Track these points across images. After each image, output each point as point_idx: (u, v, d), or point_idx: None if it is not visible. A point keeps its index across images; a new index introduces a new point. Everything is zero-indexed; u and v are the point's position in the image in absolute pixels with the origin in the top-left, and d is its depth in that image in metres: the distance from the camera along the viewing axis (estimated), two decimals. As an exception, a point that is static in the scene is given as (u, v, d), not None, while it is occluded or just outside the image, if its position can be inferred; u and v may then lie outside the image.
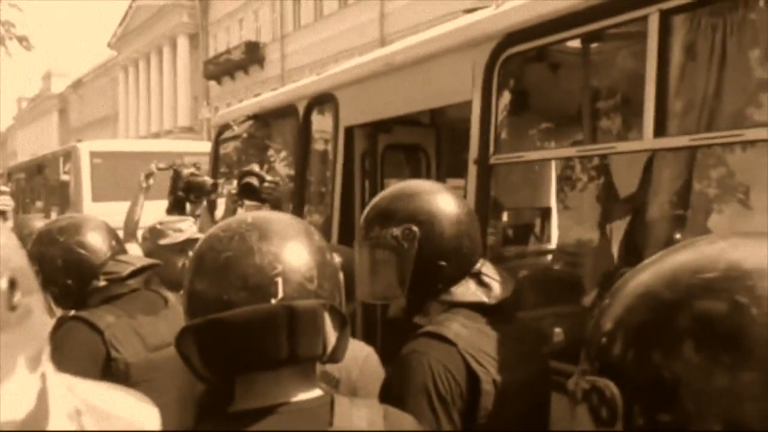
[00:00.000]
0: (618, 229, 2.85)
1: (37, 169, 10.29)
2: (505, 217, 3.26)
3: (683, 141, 1.86)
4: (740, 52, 1.85)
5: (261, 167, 3.50)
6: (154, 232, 2.52)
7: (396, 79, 2.77)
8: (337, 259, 1.03)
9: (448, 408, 1.24)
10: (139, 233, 3.04)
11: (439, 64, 2.51)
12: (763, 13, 1.78)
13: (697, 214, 2.30)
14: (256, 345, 0.89)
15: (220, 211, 3.94)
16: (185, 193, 3.55)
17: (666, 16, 1.75)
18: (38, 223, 4.09)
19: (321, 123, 3.43)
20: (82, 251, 1.87)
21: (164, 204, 3.63)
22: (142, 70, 39.93)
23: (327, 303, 0.95)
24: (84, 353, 1.74)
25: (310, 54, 24.53)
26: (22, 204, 10.73)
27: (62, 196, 8.51)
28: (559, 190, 3.41)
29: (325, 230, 3.15)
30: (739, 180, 2.29)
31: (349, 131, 3.10)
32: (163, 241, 2.46)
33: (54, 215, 8.20)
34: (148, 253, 2.49)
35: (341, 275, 1.03)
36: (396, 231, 1.38)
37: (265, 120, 3.96)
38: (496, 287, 1.44)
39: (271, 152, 4.31)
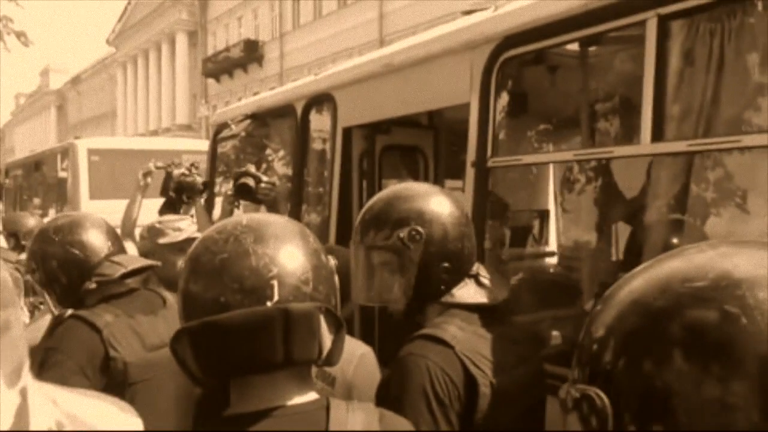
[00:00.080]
0: (615, 232, 2.86)
1: (35, 165, 10.27)
2: (502, 219, 3.27)
3: (681, 146, 1.86)
4: (738, 58, 1.86)
5: (258, 167, 3.50)
6: (153, 231, 2.51)
7: (394, 81, 2.78)
8: (332, 261, 1.03)
9: (446, 410, 1.25)
10: (137, 231, 3.04)
11: (438, 66, 2.51)
12: (761, 19, 1.78)
13: (694, 219, 2.30)
14: (252, 348, 0.89)
15: (217, 210, 3.93)
16: (177, 194, 3.55)
17: (664, 21, 1.75)
18: (30, 220, 4.09)
19: (319, 123, 3.43)
20: (76, 251, 1.86)
21: (162, 202, 3.64)
22: (141, 67, 39.87)
23: (322, 306, 0.94)
24: (82, 352, 1.73)
25: (309, 53, 24.53)
26: (20, 201, 10.71)
27: (60, 193, 8.50)
28: (557, 194, 3.41)
29: (323, 231, 3.15)
30: (736, 185, 2.29)
31: (347, 132, 3.10)
32: (162, 240, 2.45)
33: (52, 212, 8.19)
34: (146, 252, 2.48)
35: (336, 278, 1.03)
36: (402, 233, 1.38)
37: (263, 119, 3.96)
38: (494, 289, 1.45)
39: (269, 152, 4.31)
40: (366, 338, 2.38)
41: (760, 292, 0.57)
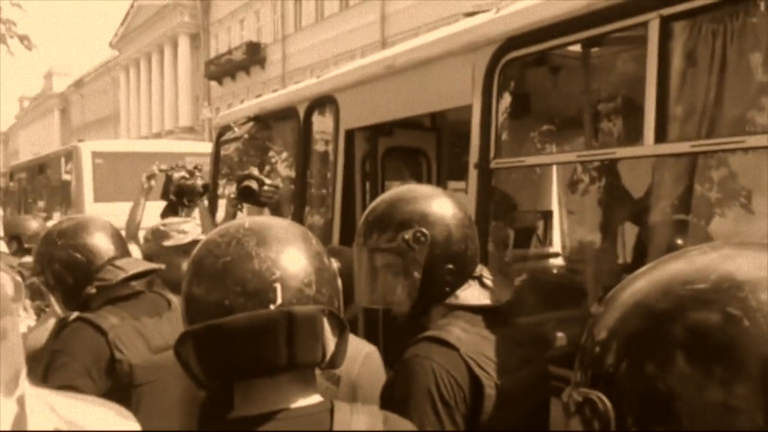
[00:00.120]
0: (619, 234, 2.86)
1: (39, 168, 10.30)
2: (506, 221, 3.27)
3: (684, 147, 1.86)
4: (741, 58, 1.85)
5: (261, 169, 3.51)
6: (158, 234, 2.51)
7: (397, 82, 2.78)
8: (335, 264, 1.03)
9: (452, 412, 1.25)
10: (141, 234, 3.05)
11: (440, 68, 2.51)
12: (764, 19, 1.78)
13: (698, 220, 2.30)
14: (255, 351, 0.89)
15: (221, 213, 3.94)
16: (177, 197, 3.55)
17: (666, 22, 1.75)
18: (32, 223, 4.09)
19: (321, 125, 3.43)
20: (78, 255, 1.87)
21: (164, 206, 3.65)
22: (144, 69, 39.96)
23: (326, 308, 0.95)
24: (88, 354, 1.74)
25: (312, 55, 24.56)
26: (24, 203, 10.74)
27: (64, 196, 8.52)
28: (560, 195, 3.41)
29: (326, 233, 3.15)
30: (740, 186, 2.29)
31: (350, 134, 3.10)
32: (167, 243, 2.46)
33: (56, 215, 8.21)
34: (150, 255, 2.49)
35: (339, 280, 1.03)
36: (406, 234, 1.38)
37: (265, 122, 3.97)
38: (497, 290, 1.45)
39: (271, 154, 4.32)
40: (370, 340, 2.38)
41: (763, 294, 0.56)
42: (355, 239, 1.51)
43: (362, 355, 1.71)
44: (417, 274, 1.39)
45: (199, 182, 3.60)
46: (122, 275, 1.86)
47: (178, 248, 2.43)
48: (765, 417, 0.53)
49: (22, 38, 8.63)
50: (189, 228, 2.54)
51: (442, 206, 1.43)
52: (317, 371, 1.01)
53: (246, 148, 4.42)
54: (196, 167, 3.75)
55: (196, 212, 3.70)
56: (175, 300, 2.04)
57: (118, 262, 1.90)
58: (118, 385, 1.76)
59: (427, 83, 2.59)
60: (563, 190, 3.42)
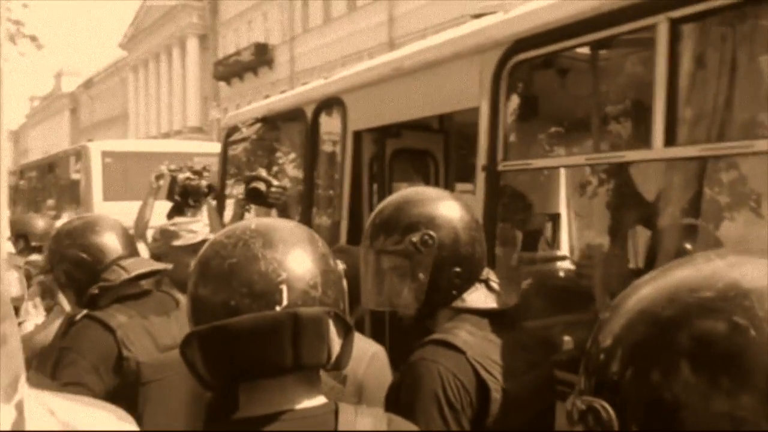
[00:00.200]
0: (627, 237, 2.84)
1: (49, 167, 10.38)
2: (514, 223, 3.26)
3: (693, 151, 1.85)
4: (750, 61, 1.85)
5: (269, 170, 3.51)
6: (168, 234, 2.52)
7: (404, 84, 2.78)
8: (341, 265, 1.04)
9: (458, 416, 1.25)
10: (149, 233, 3.06)
11: (448, 70, 2.51)
12: (774, 22, 1.77)
13: (707, 224, 2.29)
14: (261, 352, 0.90)
15: (228, 213, 3.96)
16: (182, 198, 3.56)
17: (675, 25, 1.74)
18: (39, 222, 4.10)
19: (329, 127, 3.44)
20: (85, 255, 1.89)
21: (170, 207, 3.66)
22: (152, 70, 40.18)
23: (331, 310, 0.95)
24: (96, 352, 1.76)
25: (319, 56, 24.59)
26: (34, 202, 10.82)
27: (73, 195, 8.58)
28: (568, 198, 3.40)
29: (333, 234, 3.16)
30: (749, 190, 2.27)
31: (358, 135, 3.11)
32: (177, 243, 2.47)
33: (65, 214, 8.27)
34: (158, 254, 2.50)
35: (345, 282, 1.03)
36: (414, 237, 1.38)
37: (273, 123, 3.98)
38: (504, 294, 1.45)
39: (279, 155, 4.33)
40: (376, 341, 2.38)
41: None
42: (362, 241, 1.51)
43: (369, 355, 1.71)
44: (424, 277, 1.39)
45: (204, 183, 3.61)
46: (125, 276, 1.88)
47: (187, 248, 2.44)
48: None
49: (32, 39, 8.71)
50: (198, 228, 2.55)
51: (449, 209, 1.42)
52: (323, 370, 1.01)
53: (254, 148, 4.44)
54: (204, 167, 3.77)
55: (202, 212, 3.71)
56: (183, 299, 2.05)
57: (124, 262, 1.91)
58: (125, 383, 1.77)
59: (435, 85, 2.59)
60: (571, 192, 3.41)
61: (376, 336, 2.77)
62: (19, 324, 2.54)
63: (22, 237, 3.91)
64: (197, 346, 0.92)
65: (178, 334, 1.79)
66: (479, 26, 2.46)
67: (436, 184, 3.43)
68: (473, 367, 1.28)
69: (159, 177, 3.48)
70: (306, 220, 3.39)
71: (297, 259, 0.94)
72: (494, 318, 1.41)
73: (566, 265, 3.43)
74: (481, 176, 2.26)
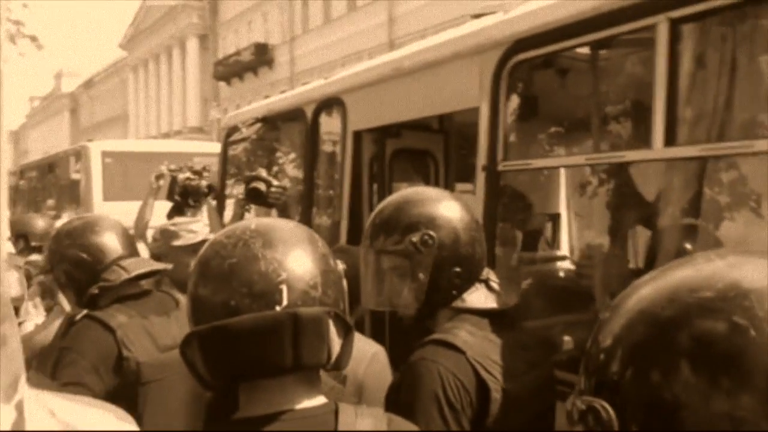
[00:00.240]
0: (627, 237, 2.84)
1: (49, 167, 10.38)
2: (514, 223, 3.26)
3: (693, 151, 1.85)
4: (750, 61, 1.85)
5: (269, 171, 3.51)
6: (168, 234, 2.52)
7: (404, 84, 2.78)
8: (341, 265, 1.04)
9: (458, 416, 1.25)
10: (149, 233, 3.06)
11: (448, 70, 2.51)
12: (774, 22, 1.77)
13: (707, 224, 2.29)
14: (261, 352, 0.90)
15: (228, 213, 3.96)
16: (182, 198, 3.56)
17: (675, 25, 1.74)
18: (39, 222, 4.10)
19: (329, 127, 3.44)
20: (84, 255, 1.89)
21: (170, 207, 3.66)
22: (152, 70, 40.18)
23: (331, 310, 0.95)
24: (96, 351, 1.76)
25: (319, 56, 24.60)
26: (34, 202, 10.83)
27: (73, 195, 8.58)
28: (569, 197, 3.40)
29: (333, 234, 3.16)
30: (749, 190, 2.27)
31: (358, 135, 3.11)
32: (177, 243, 2.47)
33: (65, 214, 8.27)
34: (158, 254, 2.50)
35: (345, 282, 1.03)
36: (414, 237, 1.38)
37: (273, 123, 3.98)
38: (504, 294, 1.45)
39: (279, 155, 4.33)
40: (376, 341, 2.38)
41: None
42: (362, 241, 1.51)
43: (369, 355, 1.71)
44: (424, 277, 1.39)
45: (204, 183, 3.61)
46: (125, 276, 1.88)
47: (187, 248, 2.44)
48: None
49: (32, 39, 8.71)
50: (198, 228, 2.55)
51: (449, 209, 1.42)
52: (323, 370, 1.01)
53: (254, 148, 4.44)
54: (204, 168, 3.77)
55: (203, 212, 3.71)
56: (183, 299, 2.05)
57: (124, 262, 1.91)
58: (125, 383, 1.77)
59: (435, 85, 2.59)
60: (571, 192, 3.41)
61: (376, 336, 2.77)
62: (19, 324, 2.54)
63: (22, 237, 3.91)
64: (197, 346, 0.92)
65: (178, 334, 1.79)
66: (479, 26, 2.46)
67: (436, 184, 3.43)
68: (473, 367, 1.28)
69: (159, 177, 3.49)
70: (306, 220, 3.39)
71: (297, 259, 0.94)
72: (494, 318, 1.41)
73: (566, 265, 3.43)
74: (481, 176, 2.26)
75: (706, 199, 2.27)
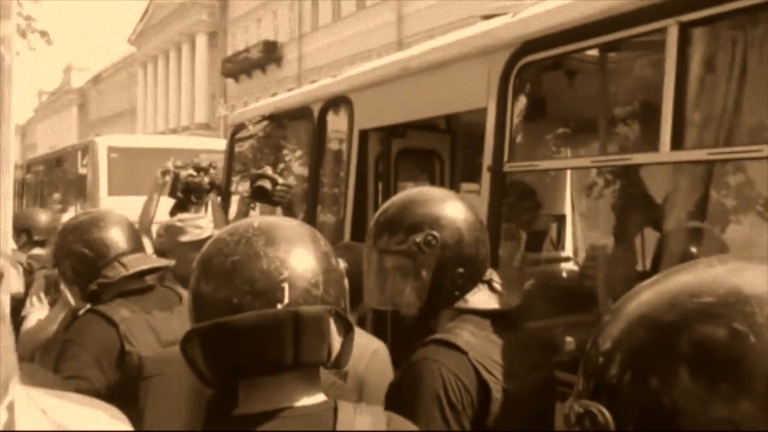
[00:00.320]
0: (632, 240, 2.83)
1: (56, 162, 10.43)
2: (518, 224, 3.25)
3: (700, 155, 1.84)
4: (760, 66, 1.83)
5: (275, 168, 3.52)
6: (174, 230, 2.53)
7: (411, 84, 2.78)
8: (342, 264, 1.04)
9: (459, 416, 1.25)
10: (154, 228, 3.07)
11: (455, 71, 2.51)
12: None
13: (713, 229, 2.27)
14: (261, 350, 0.90)
15: (233, 209, 3.96)
16: (185, 195, 3.56)
17: (685, 28, 1.73)
18: (42, 216, 4.09)
19: (336, 125, 3.44)
20: (86, 250, 1.90)
21: (173, 204, 3.66)
22: (161, 66, 40.32)
23: (332, 309, 0.95)
24: (99, 345, 1.77)
25: (328, 54, 24.62)
26: (40, 196, 10.88)
27: (79, 190, 8.62)
28: (574, 199, 3.39)
29: (338, 232, 3.16)
30: (757, 194, 2.26)
31: (364, 134, 3.11)
32: (184, 238, 2.47)
33: (72, 208, 8.31)
34: (162, 250, 2.51)
35: (346, 280, 1.03)
36: (417, 237, 1.38)
37: (280, 121, 3.98)
38: (506, 295, 1.45)
39: (285, 153, 4.33)
40: (378, 338, 2.38)
41: None
42: (366, 240, 1.51)
43: (370, 351, 1.71)
44: (426, 277, 1.39)
45: (206, 180, 3.61)
46: (124, 273, 1.88)
47: (194, 244, 2.45)
48: None
49: (42, 34, 8.75)
50: (204, 224, 2.57)
51: (453, 209, 1.42)
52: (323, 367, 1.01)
53: (260, 146, 4.44)
54: (210, 164, 3.78)
55: (207, 209, 3.72)
56: (186, 295, 2.06)
57: (125, 259, 1.92)
58: (127, 377, 1.78)
59: (443, 85, 2.58)
60: (577, 194, 3.40)
61: (378, 334, 2.77)
62: (22, 318, 2.55)
63: (24, 231, 3.90)
64: (198, 343, 0.92)
65: (181, 330, 1.79)
66: (488, 27, 2.45)
67: (442, 184, 3.43)
68: (475, 367, 1.28)
69: (165, 173, 3.50)
70: (310, 218, 3.39)
71: (299, 257, 0.95)
72: (496, 319, 1.41)
73: (570, 266, 3.42)
74: (486, 177, 2.26)
75: (713, 202, 2.26)
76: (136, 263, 1.93)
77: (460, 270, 1.39)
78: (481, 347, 1.32)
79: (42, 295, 2.66)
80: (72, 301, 2.11)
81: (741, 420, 0.53)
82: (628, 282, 2.59)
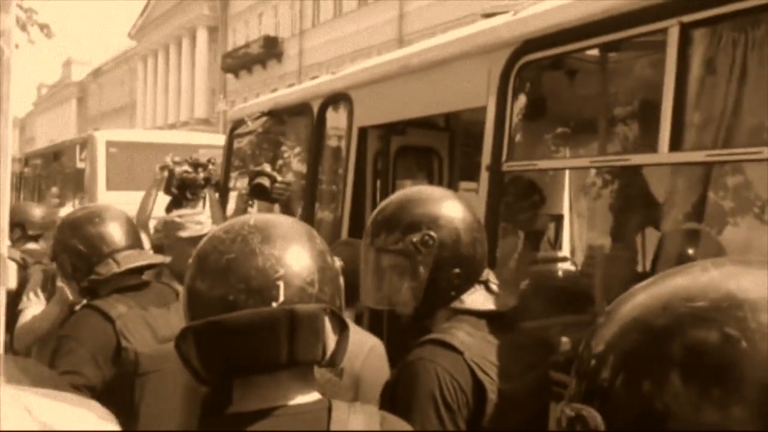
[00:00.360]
0: (630, 240, 2.83)
1: (54, 156, 10.41)
2: (516, 223, 3.25)
3: (699, 156, 1.84)
4: (760, 68, 1.83)
5: (273, 165, 3.51)
6: (174, 225, 2.52)
7: (411, 82, 2.77)
8: (338, 262, 1.04)
9: (454, 416, 1.25)
10: (151, 224, 3.06)
11: (455, 69, 2.50)
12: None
13: (710, 230, 2.27)
14: (256, 348, 0.90)
15: (231, 206, 3.96)
16: (179, 191, 3.53)
17: (686, 29, 1.72)
18: (36, 210, 4.03)
19: (335, 122, 3.43)
20: (82, 247, 1.90)
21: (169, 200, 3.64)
22: (161, 60, 40.25)
23: (327, 307, 0.95)
24: (95, 340, 1.77)
25: (328, 51, 24.60)
26: (38, 190, 10.86)
27: (77, 184, 8.60)
28: (572, 199, 3.39)
29: (335, 230, 3.15)
30: (754, 196, 2.26)
31: (363, 131, 3.10)
32: (183, 234, 2.47)
33: (70, 202, 8.29)
34: (160, 246, 2.50)
35: (342, 279, 1.03)
36: (414, 237, 1.38)
37: (279, 117, 3.97)
38: (502, 296, 1.45)
39: (284, 149, 4.33)
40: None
41: (763, 314, 0.55)
42: (363, 238, 1.50)
43: (367, 348, 1.71)
44: (423, 277, 1.39)
45: (201, 176, 3.57)
46: (115, 270, 1.88)
47: (193, 240, 2.44)
48: None
49: (42, 27, 8.72)
50: (204, 220, 2.57)
51: (451, 209, 1.42)
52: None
53: (259, 142, 4.43)
54: (209, 160, 3.76)
55: (206, 205, 3.70)
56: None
57: (119, 256, 1.91)
58: (123, 373, 1.78)
59: (442, 83, 2.58)
60: (575, 194, 3.39)
61: (374, 333, 2.77)
62: (19, 312, 2.55)
63: (18, 226, 3.83)
64: (192, 341, 0.91)
65: (177, 326, 1.78)
66: (489, 25, 2.45)
67: (441, 182, 3.43)
68: (470, 367, 1.28)
69: (163, 168, 3.49)
70: (308, 214, 3.38)
71: (295, 255, 0.94)
72: (492, 319, 1.40)
73: (568, 266, 3.41)
74: (484, 176, 2.25)
75: (711, 204, 2.25)
76: (128, 260, 1.92)
77: (457, 270, 1.39)
78: (477, 347, 1.32)
79: (39, 290, 2.66)
80: (70, 295, 2.11)
81: (732, 425, 0.53)
82: (625, 282, 2.59)
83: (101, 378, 1.73)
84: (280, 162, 4.19)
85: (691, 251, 2.23)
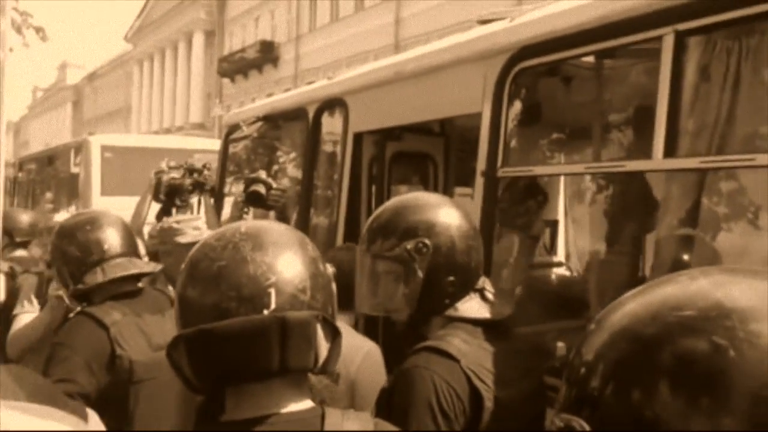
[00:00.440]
0: (624, 246, 2.84)
1: (48, 160, 10.35)
2: (512, 229, 3.25)
3: (693, 163, 1.84)
4: (754, 76, 1.84)
5: (269, 170, 3.50)
6: (171, 231, 2.51)
7: (407, 88, 2.78)
8: (330, 269, 1.03)
9: (451, 424, 1.25)
10: (146, 230, 3.05)
11: (451, 75, 2.51)
12: (779, 37, 1.77)
13: (704, 236, 2.28)
14: (248, 356, 0.89)
15: (226, 211, 3.94)
16: (167, 198, 3.49)
17: (681, 37, 1.73)
18: (24, 217, 3.96)
19: (330, 127, 3.43)
20: (74, 254, 1.89)
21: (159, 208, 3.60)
22: (157, 64, 40.21)
23: (319, 314, 0.94)
24: (89, 348, 1.75)
25: (325, 55, 24.62)
26: (32, 195, 10.80)
27: (72, 189, 8.55)
28: (567, 205, 3.39)
29: (330, 235, 3.15)
30: (748, 203, 2.27)
31: (358, 137, 3.10)
32: (183, 240, 2.46)
33: (64, 208, 8.24)
34: (155, 252, 2.49)
35: (334, 285, 1.03)
36: (409, 244, 1.37)
37: (275, 122, 3.97)
38: (497, 304, 1.45)
39: (279, 154, 4.32)
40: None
41: (752, 323, 0.55)
42: (359, 244, 1.50)
43: (362, 353, 1.71)
44: (417, 284, 1.38)
45: (188, 181, 3.52)
46: (100, 280, 1.86)
47: (191, 246, 2.43)
48: None
49: (38, 30, 8.69)
50: (201, 225, 2.56)
51: (447, 217, 1.42)
52: None
53: (254, 147, 4.43)
54: (205, 165, 3.75)
55: (201, 211, 3.69)
56: (175, 299, 2.05)
57: (107, 264, 1.90)
58: (117, 381, 1.77)
59: (438, 89, 2.58)
60: (570, 200, 3.40)
61: (369, 338, 2.76)
62: (13, 317, 2.53)
63: (6, 233, 3.75)
64: (184, 349, 0.91)
65: (172, 333, 1.78)
66: (485, 32, 2.45)
67: (436, 188, 3.43)
68: (467, 375, 1.28)
69: (158, 173, 3.47)
70: (303, 220, 3.38)
71: (286, 262, 0.94)
72: (488, 326, 1.40)
73: (564, 272, 3.42)
74: (479, 181, 2.26)
75: (705, 210, 2.26)
76: (115, 270, 1.90)
77: (451, 278, 1.39)
78: (473, 355, 1.32)
79: (32, 296, 2.64)
80: (68, 301, 2.10)
81: None
82: (620, 288, 2.59)
83: (95, 385, 1.72)
84: (275, 167, 4.19)
85: (685, 257, 2.24)
